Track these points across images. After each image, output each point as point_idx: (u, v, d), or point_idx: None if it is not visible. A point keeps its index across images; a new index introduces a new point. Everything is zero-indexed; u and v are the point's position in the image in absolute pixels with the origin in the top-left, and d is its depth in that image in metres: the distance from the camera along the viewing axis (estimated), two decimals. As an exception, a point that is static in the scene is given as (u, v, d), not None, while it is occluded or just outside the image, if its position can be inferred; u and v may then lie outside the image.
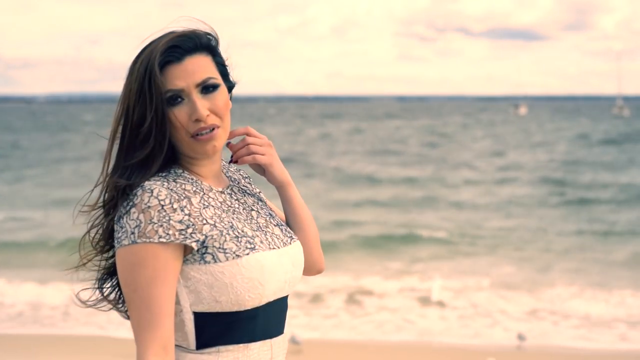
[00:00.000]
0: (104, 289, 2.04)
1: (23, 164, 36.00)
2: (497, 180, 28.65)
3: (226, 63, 2.05)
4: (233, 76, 2.07)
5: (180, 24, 2.00)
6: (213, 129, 1.94)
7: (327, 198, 23.77)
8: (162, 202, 1.85)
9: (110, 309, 2.08)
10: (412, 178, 29.58)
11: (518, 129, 69.59)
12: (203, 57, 1.97)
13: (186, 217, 1.86)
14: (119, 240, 1.86)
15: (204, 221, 1.89)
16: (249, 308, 1.90)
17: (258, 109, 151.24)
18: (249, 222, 2.01)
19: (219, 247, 1.88)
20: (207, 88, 1.95)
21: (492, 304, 11.32)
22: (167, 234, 1.83)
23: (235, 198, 2.06)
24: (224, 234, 1.90)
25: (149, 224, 1.83)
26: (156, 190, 1.86)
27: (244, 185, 2.17)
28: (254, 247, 1.92)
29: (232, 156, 2.12)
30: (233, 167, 2.22)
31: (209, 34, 2.02)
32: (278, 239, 2.03)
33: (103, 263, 2.02)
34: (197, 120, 1.92)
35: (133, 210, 1.84)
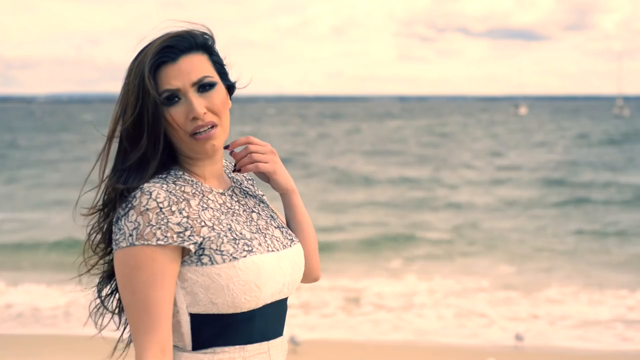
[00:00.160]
0: (102, 294, 2.04)
1: (18, 165, 35.82)
2: (496, 180, 28.64)
3: (224, 62, 2.04)
4: (231, 75, 2.06)
5: (167, 29, 1.98)
6: (211, 127, 1.94)
7: (325, 198, 23.77)
8: (160, 205, 1.85)
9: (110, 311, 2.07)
10: (412, 178, 29.56)
11: (518, 129, 69.53)
12: (198, 56, 1.97)
13: (184, 220, 1.86)
14: (117, 242, 1.86)
15: (202, 223, 1.89)
16: (245, 310, 1.90)
17: (258, 109, 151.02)
18: (248, 224, 2.00)
19: (216, 249, 1.88)
20: (203, 87, 1.94)
21: (490, 304, 11.33)
22: (165, 236, 1.83)
23: (236, 200, 2.06)
24: (221, 236, 1.90)
25: (147, 226, 1.83)
26: (155, 193, 1.86)
27: (246, 187, 2.15)
28: (252, 249, 1.92)
29: (235, 165, 2.11)
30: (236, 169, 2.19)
31: (205, 34, 2.01)
32: (278, 241, 2.02)
33: (104, 266, 2.02)
34: (195, 119, 1.92)
35: (131, 212, 1.84)
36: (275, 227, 2.07)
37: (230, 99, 2.06)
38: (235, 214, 2.01)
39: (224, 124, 1.98)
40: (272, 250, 1.98)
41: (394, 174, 31.16)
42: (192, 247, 1.86)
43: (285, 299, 2.05)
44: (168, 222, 1.84)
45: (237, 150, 2.10)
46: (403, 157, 39.62)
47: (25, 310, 10.94)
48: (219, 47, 2.05)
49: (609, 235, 17.20)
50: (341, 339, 9.73)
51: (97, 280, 2.05)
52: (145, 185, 1.88)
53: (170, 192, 1.89)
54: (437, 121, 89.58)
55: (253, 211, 2.07)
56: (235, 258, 1.88)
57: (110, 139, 1.96)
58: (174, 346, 1.94)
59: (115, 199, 1.90)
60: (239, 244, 1.91)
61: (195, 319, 1.91)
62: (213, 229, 1.90)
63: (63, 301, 11.14)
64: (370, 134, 62.85)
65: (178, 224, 1.85)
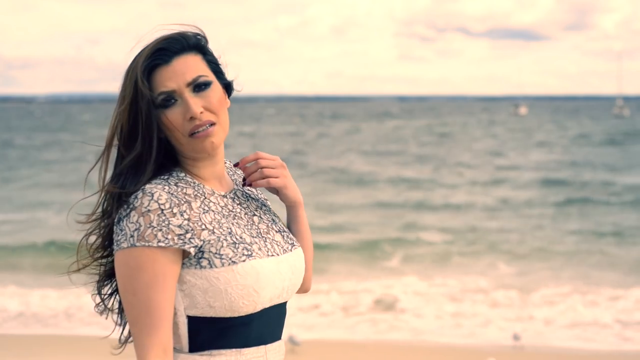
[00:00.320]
0: (102, 292, 2.05)
1: (11, 165, 35.70)
2: (496, 180, 28.65)
3: (219, 61, 2.04)
4: (228, 74, 2.06)
5: (160, 33, 1.99)
6: (210, 125, 1.94)
7: (325, 198, 23.77)
8: (162, 207, 1.85)
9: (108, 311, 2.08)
10: (411, 178, 29.57)
11: (518, 129, 69.51)
12: (192, 57, 1.97)
13: (185, 222, 1.87)
14: (118, 242, 1.86)
15: (203, 226, 1.90)
16: (243, 314, 1.90)
17: (257, 109, 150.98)
18: (249, 227, 2.00)
19: (216, 253, 1.88)
20: (199, 86, 1.94)
21: (489, 304, 11.34)
22: (166, 238, 1.84)
23: (238, 202, 2.05)
24: (221, 239, 1.90)
25: (148, 227, 1.83)
26: (157, 194, 1.86)
27: (248, 190, 2.15)
28: (251, 254, 1.92)
29: (244, 179, 2.10)
30: (239, 170, 2.20)
31: (198, 34, 2.01)
32: (278, 245, 2.02)
33: (102, 268, 2.02)
34: (192, 119, 1.92)
35: (133, 213, 1.85)
36: (276, 231, 2.07)
37: (229, 97, 2.06)
38: (236, 217, 2.01)
39: (223, 122, 1.98)
40: (272, 255, 1.98)
41: (393, 174, 31.15)
42: (192, 250, 1.87)
43: (285, 303, 2.05)
44: (169, 224, 1.85)
45: (248, 165, 2.10)
46: (402, 157, 39.61)
47: (26, 310, 10.95)
48: (216, 47, 2.05)
49: (607, 236, 17.21)
50: (340, 338, 9.74)
51: (96, 280, 2.05)
52: (147, 186, 1.88)
53: (172, 193, 1.89)
54: (437, 121, 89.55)
55: (254, 214, 2.07)
56: (234, 262, 1.88)
57: (108, 146, 1.97)
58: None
59: (113, 204, 1.91)
60: (238, 248, 1.91)
61: (193, 321, 1.91)
62: (213, 232, 1.91)
63: (62, 301, 11.14)
64: (370, 134, 62.81)
65: (179, 226, 1.86)
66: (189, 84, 1.94)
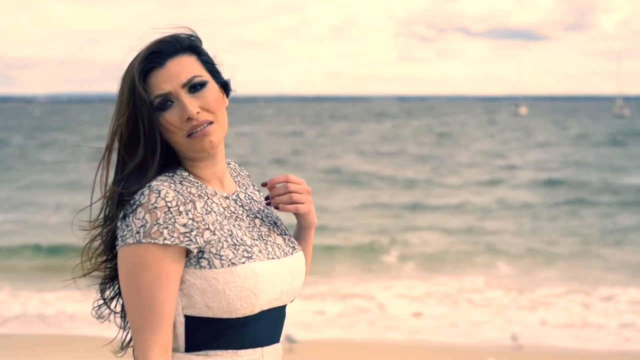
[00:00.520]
0: (105, 296, 2.05)
1: (6, 165, 35.57)
2: (495, 180, 28.65)
3: (214, 61, 2.04)
4: (224, 73, 2.06)
5: (153, 37, 1.99)
6: (208, 124, 1.94)
7: (323, 198, 23.77)
8: (168, 204, 1.86)
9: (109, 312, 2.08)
10: (410, 178, 29.57)
11: (518, 129, 69.51)
12: (186, 58, 1.97)
13: (190, 221, 1.87)
14: (123, 238, 1.86)
15: (206, 226, 1.90)
16: (240, 316, 1.90)
17: (257, 109, 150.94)
18: (250, 229, 2.01)
19: (216, 254, 1.89)
20: (194, 87, 1.95)
21: (488, 304, 11.35)
22: (172, 236, 1.84)
23: (240, 204, 2.06)
24: (221, 240, 1.90)
25: (155, 224, 1.83)
26: (164, 192, 1.87)
27: (251, 192, 2.15)
28: (251, 256, 1.92)
29: (267, 197, 2.09)
30: (244, 172, 2.22)
31: (192, 35, 2.02)
32: (279, 248, 2.03)
33: (106, 271, 2.02)
34: (189, 119, 1.92)
35: (139, 209, 1.85)
36: (277, 234, 2.07)
37: (228, 97, 2.06)
38: (238, 219, 2.01)
39: (221, 121, 1.98)
40: (273, 258, 1.98)
41: (392, 174, 31.15)
42: (194, 250, 1.88)
43: (284, 307, 2.05)
44: (175, 222, 1.85)
45: (277, 186, 2.09)
46: (401, 158, 39.60)
47: (27, 310, 10.96)
48: (210, 46, 2.05)
49: (607, 236, 17.22)
50: (338, 338, 9.74)
51: (98, 282, 2.05)
52: (154, 183, 1.89)
53: (178, 191, 1.90)
54: (437, 121, 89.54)
55: (256, 217, 2.07)
56: (233, 264, 1.89)
57: (109, 152, 1.98)
58: None
59: (114, 207, 1.92)
60: (238, 249, 1.91)
61: (190, 321, 1.92)
62: (214, 233, 1.91)
63: (62, 302, 11.15)
64: (369, 134, 62.79)
65: (184, 225, 1.86)
66: (184, 85, 1.94)
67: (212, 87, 1.99)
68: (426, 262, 14.53)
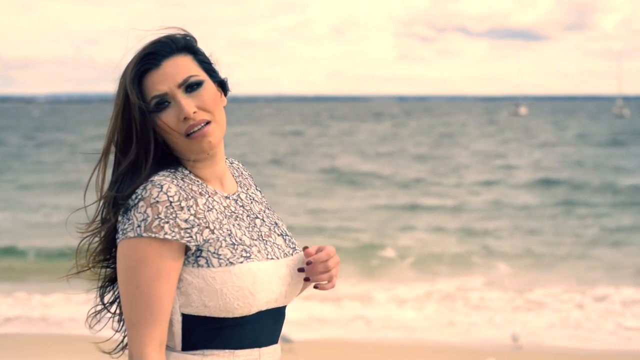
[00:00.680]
0: (105, 299, 2.05)
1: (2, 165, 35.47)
2: (495, 180, 28.64)
3: (211, 60, 2.04)
4: (221, 72, 2.05)
5: (147, 38, 1.99)
6: (205, 124, 1.93)
7: (322, 198, 23.77)
8: (170, 199, 1.85)
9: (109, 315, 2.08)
10: (410, 178, 29.56)
11: (518, 129, 69.52)
12: (182, 58, 1.97)
13: (192, 217, 1.87)
14: (124, 231, 1.86)
15: (207, 224, 1.90)
16: (237, 316, 1.90)
17: (256, 109, 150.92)
18: (250, 229, 2.00)
19: (214, 253, 1.88)
20: (190, 86, 1.94)
21: (488, 304, 11.35)
22: (173, 231, 1.84)
23: (241, 204, 2.05)
24: (220, 239, 1.90)
25: (156, 219, 1.83)
26: (166, 186, 1.87)
27: (253, 193, 2.14)
28: (250, 256, 1.92)
29: (302, 269, 2.00)
30: (247, 172, 2.21)
31: (187, 35, 2.01)
32: (279, 249, 2.02)
33: (105, 273, 2.02)
34: (186, 119, 1.92)
35: (141, 203, 1.85)
36: (278, 234, 2.06)
37: (226, 96, 2.05)
38: (238, 219, 2.00)
39: (219, 120, 1.97)
40: (272, 258, 1.97)
41: (392, 174, 31.15)
42: (193, 247, 1.87)
43: (283, 308, 2.04)
44: (176, 217, 1.85)
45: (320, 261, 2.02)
46: (401, 158, 39.60)
47: (26, 310, 10.96)
48: (205, 45, 2.05)
49: (606, 236, 17.22)
50: (337, 338, 9.74)
51: (98, 284, 2.05)
52: (156, 178, 1.89)
53: (180, 187, 1.90)
54: (437, 121, 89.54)
55: (257, 217, 2.06)
56: (231, 263, 1.89)
57: (105, 154, 1.98)
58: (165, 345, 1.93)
59: (110, 209, 1.92)
60: (237, 249, 1.91)
61: (187, 319, 1.91)
62: (214, 231, 1.91)
63: (62, 302, 11.15)
64: (369, 134, 62.78)
65: (186, 220, 1.86)
66: (180, 85, 1.94)
67: (209, 86, 1.98)
68: (425, 263, 14.53)
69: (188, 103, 1.93)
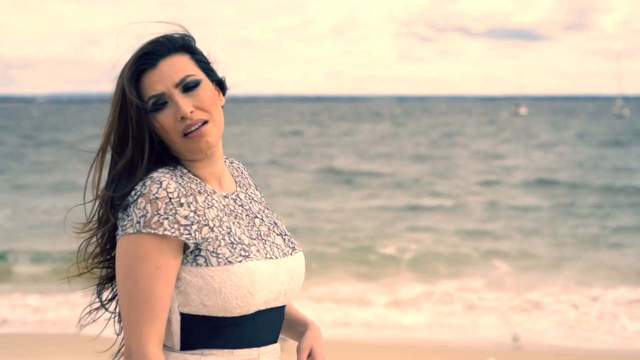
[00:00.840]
0: (102, 297, 2.05)
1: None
2: (495, 180, 28.63)
3: (209, 59, 2.03)
4: (219, 71, 2.04)
5: (145, 37, 1.98)
6: (203, 124, 1.93)
7: (321, 199, 23.77)
8: (170, 195, 1.85)
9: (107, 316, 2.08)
10: (409, 178, 29.55)
11: (518, 129, 69.52)
12: (179, 57, 1.96)
13: (192, 214, 1.87)
14: (123, 228, 1.85)
15: (206, 222, 1.89)
16: (236, 315, 1.90)
17: (256, 109, 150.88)
18: (249, 229, 1.99)
19: (212, 251, 1.88)
20: (187, 86, 1.93)
21: (487, 304, 11.35)
22: (172, 227, 1.83)
23: (240, 204, 2.04)
24: (219, 238, 1.89)
25: (155, 215, 1.83)
26: (165, 183, 1.86)
27: (252, 192, 2.14)
28: (249, 255, 1.91)
29: None
30: (247, 172, 2.21)
31: (185, 35, 2.00)
32: (278, 248, 2.01)
33: (103, 272, 2.02)
34: (183, 119, 1.91)
35: (140, 200, 1.84)
36: (277, 234, 2.06)
37: (224, 95, 2.05)
38: (237, 218, 2.00)
39: (216, 120, 1.96)
40: (271, 258, 1.97)
41: (391, 174, 31.13)
42: (192, 245, 1.87)
43: (282, 307, 2.03)
44: (176, 213, 1.85)
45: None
46: (400, 158, 39.59)
47: (26, 310, 10.96)
48: (203, 44, 2.04)
49: (607, 237, 17.21)
50: (336, 338, 9.74)
51: (95, 284, 2.05)
52: (155, 174, 1.89)
53: (180, 184, 1.90)
54: (436, 121, 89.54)
55: (256, 217, 2.06)
56: (230, 262, 1.88)
57: (102, 153, 1.98)
58: (163, 345, 1.93)
59: (107, 209, 1.92)
60: (236, 248, 1.90)
61: (186, 319, 1.91)
62: (213, 229, 1.90)
63: (62, 302, 11.15)
64: (368, 134, 62.78)
65: (185, 217, 1.86)
66: (177, 85, 1.93)
67: (207, 85, 1.97)
68: (425, 263, 14.52)
69: (185, 103, 1.92)
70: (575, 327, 10.20)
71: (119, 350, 2.07)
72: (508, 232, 17.86)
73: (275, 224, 2.09)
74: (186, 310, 1.90)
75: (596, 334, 9.91)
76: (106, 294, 2.05)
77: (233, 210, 2.00)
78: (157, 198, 1.84)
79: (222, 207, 1.98)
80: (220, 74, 2.05)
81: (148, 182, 1.86)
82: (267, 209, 2.13)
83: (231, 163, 2.18)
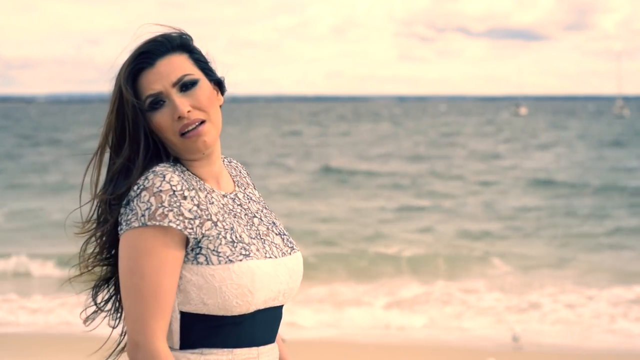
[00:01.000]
0: (99, 298, 2.04)
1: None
2: (495, 180, 28.63)
3: (207, 59, 2.02)
4: (218, 71, 2.04)
5: (145, 32, 1.99)
6: (200, 123, 1.92)
7: (319, 199, 23.77)
8: (173, 188, 1.85)
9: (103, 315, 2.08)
10: (409, 178, 29.54)
11: (518, 129, 69.52)
12: (177, 57, 1.96)
13: (195, 208, 1.87)
14: (128, 222, 1.84)
15: (209, 217, 1.90)
16: (235, 314, 1.89)
17: (256, 109, 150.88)
18: (248, 228, 1.99)
19: (213, 250, 1.88)
20: (185, 85, 1.93)
21: (487, 304, 11.35)
22: (177, 219, 1.83)
23: (238, 203, 2.04)
24: (220, 236, 1.89)
25: (160, 207, 1.82)
26: (168, 176, 1.86)
27: (250, 192, 2.14)
28: (249, 254, 1.91)
29: None
30: (245, 171, 2.20)
31: (183, 34, 2.00)
32: (277, 248, 2.01)
33: (102, 271, 2.02)
34: (180, 118, 1.91)
35: (144, 193, 1.84)
36: (276, 233, 2.06)
37: (223, 95, 2.04)
38: (236, 216, 2.00)
39: (214, 119, 1.96)
40: (270, 257, 1.97)
41: (390, 174, 31.12)
42: (192, 240, 1.86)
43: (281, 307, 2.03)
44: (180, 205, 1.85)
45: None
46: (400, 158, 39.59)
47: (26, 310, 10.96)
48: (201, 44, 2.03)
49: (607, 237, 17.21)
50: (336, 338, 9.73)
51: (92, 284, 2.04)
52: (157, 168, 1.88)
53: (182, 177, 1.90)
54: (436, 121, 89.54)
55: (255, 216, 2.05)
56: (231, 261, 1.88)
57: (101, 152, 1.98)
58: None
59: (106, 209, 1.92)
60: (236, 247, 1.90)
61: (186, 317, 1.91)
62: (216, 225, 1.90)
63: (62, 301, 11.15)
64: (368, 134, 62.78)
65: (189, 210, 1.86)
66: (174, 84, 1.93)
67: (204, 85, 1.97)
68: (424, 263, 14.51)
69: (182, 102, 1.92)
70: (574, 327, 10.20)
71: (116, 347, 2.07)
72: (507, 232, 17.86)
73: (274, 223, 2.09)
74: (186, 309, 1.90)
75: (597, 334, 9.91)
76: (101, 296, 2.05)
77: (232, 210, 2.00)
78: (160, 191, 1.83)
79: (222, 205, 1.98)
80: (219, 73, 2.05)
81: (151, 176, 1.86)
82: (266, 208, 2.13)
83: (229, 162, 2.18)
